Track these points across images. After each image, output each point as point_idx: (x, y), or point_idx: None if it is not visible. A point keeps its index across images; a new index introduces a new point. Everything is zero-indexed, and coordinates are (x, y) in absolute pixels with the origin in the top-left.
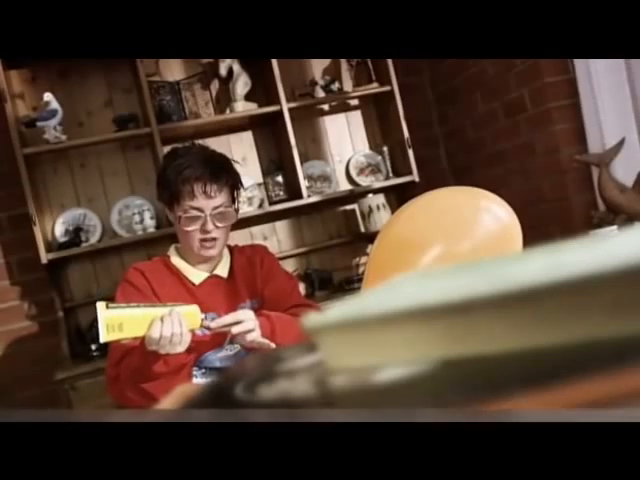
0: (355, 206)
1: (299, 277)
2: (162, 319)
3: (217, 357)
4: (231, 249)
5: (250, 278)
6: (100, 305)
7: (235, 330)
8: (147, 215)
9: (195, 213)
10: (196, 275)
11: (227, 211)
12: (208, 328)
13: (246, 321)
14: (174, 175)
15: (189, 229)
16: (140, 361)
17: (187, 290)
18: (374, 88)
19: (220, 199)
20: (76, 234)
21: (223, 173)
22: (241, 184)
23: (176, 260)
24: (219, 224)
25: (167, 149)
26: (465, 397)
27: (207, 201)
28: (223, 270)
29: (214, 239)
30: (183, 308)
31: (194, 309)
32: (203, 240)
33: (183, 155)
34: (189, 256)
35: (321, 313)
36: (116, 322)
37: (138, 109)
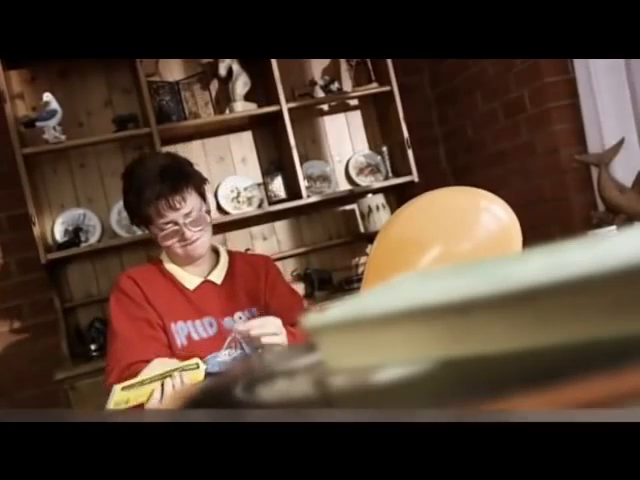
0: (355, 206)
1: (299, 277)
2: (162, 386)
3: (216, 361)
4: (232, 256)
5: (252, 286)
6: (116, 388)
7: (256, 332)
8: None
9: (170, 227)
10: (190, 280)
11: (200, 215)
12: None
13: (270, 325)
14: (136, 199)
15: (169, 243)
16: None
17: (182, 295)
18: (374, 88)
19: (188, 206)
20: (75, 234)
21: (181, 182)
22: (204, 181)
23: (169, 265)
24: (195, 229)
25: (166, 149)
26: (465, 397)
27: (176, 213)
28: (218, 276)
29: (195, 240)
30: (188, 373)
31: (199, 372)
32: (185, 245)
33: (139, 174)
34: (179, 260)
35: (321, 313)
36: (124, 398)
37: (138, 109)
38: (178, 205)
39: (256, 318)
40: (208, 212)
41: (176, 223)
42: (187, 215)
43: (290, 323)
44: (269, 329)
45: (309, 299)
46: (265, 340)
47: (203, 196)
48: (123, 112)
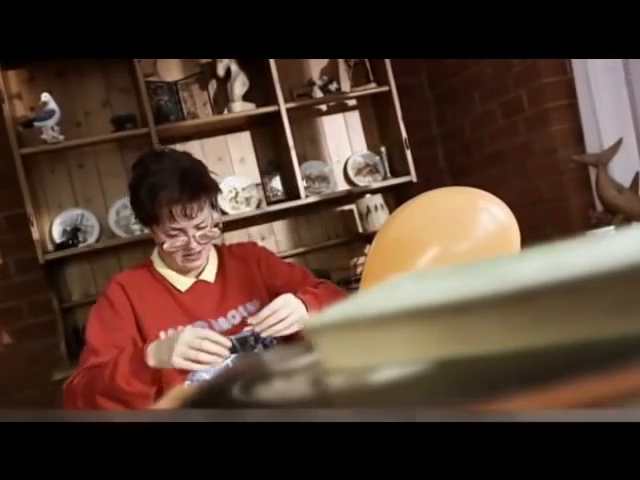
0: (353, 206)
1: None
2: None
3: (208, 371)
4: (220, 250)
5: (246, 280)
6: None
7: (279, 325)
8: None
9: (179, 234)
10: (182, 282)
11: (211, 232)
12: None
13: (281, 309)
14: (149, 197)
15: (173, 250)
16: (123, 368)
17: (173, 298)
18: (372, 88)
19: (202, 216)
20: (74, 234)
21: (201, 191)
22: (219, 191)
23: (160, 267)
24: (202, 241)
25: None
26: (463, 397)
27: (189, 222)
28: (210, 274)
29: (199, 251)
30: None
31: None
32: (187, 255)
33: (155, 172)
34: (173, 263)
35: (319, 313)
36: None
37: (136, 109)
38: (193, 214)
39: (255, 312)
40: (217, 225)
41: (185, 233)
42: (198, 227)
43: (304, 290)
44: (282, 314)
45: None
46: (286, 328)
47: (214, 207)
48: (121, 112)
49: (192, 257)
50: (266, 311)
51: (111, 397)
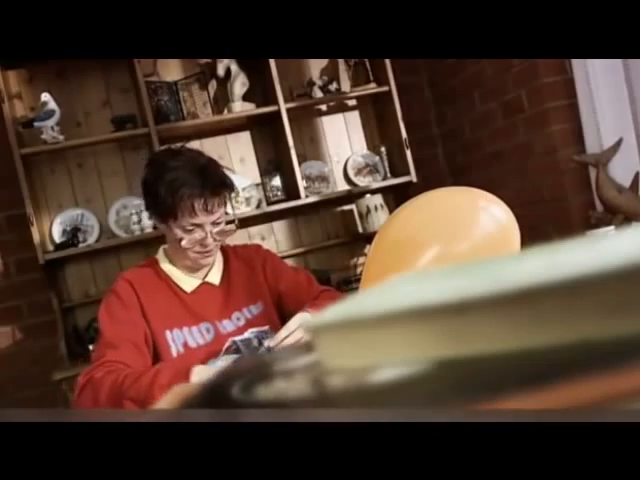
0: (353, 206)
1: None
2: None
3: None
4: (225, 252)
5: (251, 282)
6: None
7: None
8: (145, 215)
9: (195, 230)
10: (188, 283)
11: (227, 228)
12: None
13: (298, 329)
14: (169, 193)
15: (190, 246)
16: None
17: (178, 298)
18: (372, 88)
19: (220, 212)
20: (74, 234)
21: (221, 187)
22: (235, 188)
23: (166, 267)
24: (219, 238)
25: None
26: (463, 397)
27: (208, 217)
28: (215, 276)
29: (212, 249)
30: None
31: None
32: (200, 252)
33: (174, 168)
34: (180, 262)
35: (318, 313)
36: None
37: (136, 109)
38: (214, 210)
39: (259, 314)
40: (233, 221)
41: (202, 228)
42: (214, 222)
43: (311, 304)
44: (299, 334)
45: None
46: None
47: (226, 205)
48: (121, 112)
49: (205, 254)
50: (283, 332)
51: (142, 405)
